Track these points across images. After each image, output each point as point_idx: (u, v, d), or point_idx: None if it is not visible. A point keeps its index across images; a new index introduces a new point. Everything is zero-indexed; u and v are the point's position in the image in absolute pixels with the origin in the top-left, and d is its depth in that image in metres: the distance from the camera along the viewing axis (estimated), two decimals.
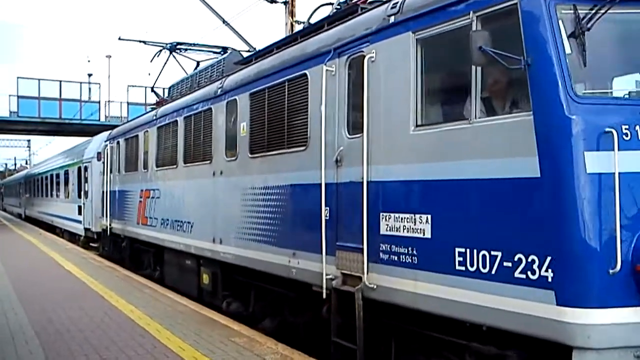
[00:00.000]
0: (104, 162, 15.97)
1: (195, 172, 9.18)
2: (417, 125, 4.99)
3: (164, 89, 45.29)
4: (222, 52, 12.50)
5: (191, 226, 9.22)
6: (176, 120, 10.10)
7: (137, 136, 12.77)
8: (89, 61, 58.88)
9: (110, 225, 14.77)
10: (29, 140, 74.89)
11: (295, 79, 6.60)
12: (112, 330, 6.90)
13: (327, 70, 5.97)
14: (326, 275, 5.85)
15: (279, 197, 6.84)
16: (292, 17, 16.74)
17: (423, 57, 5.00)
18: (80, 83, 45.38)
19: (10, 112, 41.55)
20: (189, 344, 6.27)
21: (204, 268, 8.96)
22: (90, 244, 19.53)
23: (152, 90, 13.62)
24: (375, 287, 5.30)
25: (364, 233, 5.35)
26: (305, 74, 6.42)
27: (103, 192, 15.74)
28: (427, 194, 4.88)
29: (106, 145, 15.76)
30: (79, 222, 20.59)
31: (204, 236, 8.68)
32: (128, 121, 15.76)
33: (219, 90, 8.42)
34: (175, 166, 10.11)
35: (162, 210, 10.78)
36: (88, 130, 40.39)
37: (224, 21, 18.12)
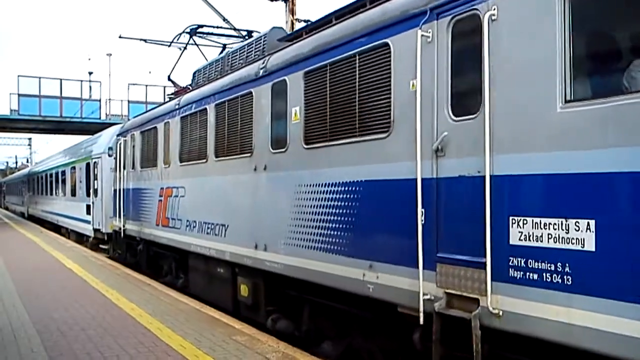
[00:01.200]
0: (116, 158, 14.33)
1: (231, 167, 7.73)
2: (566, 101, 3.63)
3: (164, 87, 43.21)
4: (246, 37, 11.08)
5: (225, 229, 7.79)
6: (205, 109, 8.60)
7: (155, 128, 11.12)
8: (89, 59, 57.63)
9: (124, 226, 13.13)
10: (30, 139, 73.32)
11: (371, 50, 5.20)
12: (114, 329, 6.77)
13: (422, 36, 4.59)
14: (423, 294, 4.48)
15: (347, 196, 5.45)
16: (292, 15, 16.04)
17: (573, 8, 3.63)
18: (81, 81, 44.16)
19: (11, 110, 40.26)
20: (190, 342, 6.13)
21: (242, 278, 7.54)
22: (100, 245, 17.63)
23: (169, 79, 12.07)
24: (500, 313, 3.93)
25: (486, 243, 3.97)
26: (386, 44, 5.03)
27: (115, 190, 14.09)
28: (587, 192, 3.51)
29: (118, 140, 14.04)
30: (88, 222, 18.55)
31: (243, 241, 7.27)
32: (144, 112, 13.49)
33: (262, 71, 6.99)
34: (204, 161, 8.58)
35: (187, 210, 9.25)
36: (88, 128, 39.14)
37: (224, 19, 17.00)
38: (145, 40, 20.13)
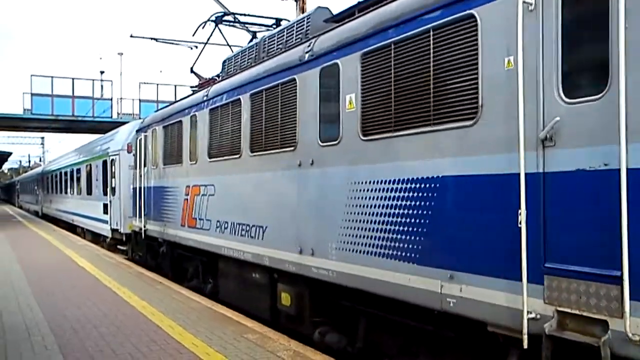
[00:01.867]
0: (135, 155, 13.27)
1: (270, 162, 6.90)
2: None
3: (175, 85, 42.34)
4: (275, 25, 10.26)
5: (263, 231, 6.98)
6: (238, 99, 7.72)
7: (179, 122, 10.11)
8: (101, 59, 56.92)
9: (145, 227, 12.08)
10: (42, 138, 72.99)
11: (450, 24, 4.38)
12: (126, 327, 6.72)
13: (524, 2, 3.76)
14: (527, 312, 3.66)
15: (418, 195, 4.63)
16: (302, 13, 15.52)
17: None
18: (93, 80, 43.74)
19: (25, 110, 39.78)
20: (201, 340, 6.09)
21: (283, 285, 6.73)
22: (118, 246, 16.38)
23: (192, 72, 11.22)
24: None
25: (622, 252, 3.15)
26: (471, 15, 4.20)
27: (135, 188, 13.08)
28: None
29: (138, 136, 12.95)
30: (105, 222, 17.32)
31: (285, 245, 6.46)
32: (165, 106, 12.21)
33: (307, 55, 6.17)
34: (237, 156, 7.70)
35: (218, 210, 8.35)
36: (100, 127, 38.65)
37: (235, 18, 16.27)
38: (156, 40, 19.48)
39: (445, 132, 4.40)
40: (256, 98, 7.28)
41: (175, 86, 45.42)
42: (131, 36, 21.68)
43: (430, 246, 4.50)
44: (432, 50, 4.53)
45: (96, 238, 19.27)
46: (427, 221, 4.54)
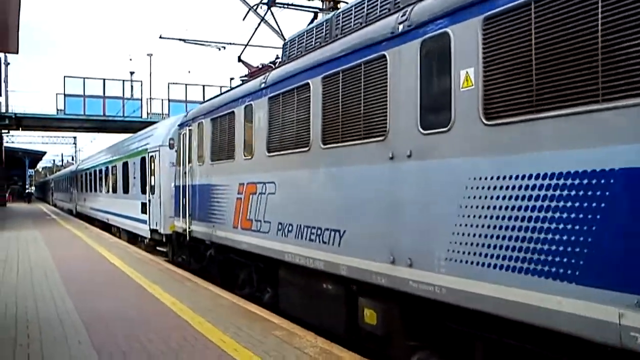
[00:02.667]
0: (178, 151, 12.16)
1: (350, 155, 5.76)
2: None
3: (204, 86, 41.93)
4: (331, 9, 9.19)
5: (340, 236, 5.86)
6: (306, 85, 6.63)
7: (231, 114, 9.05)
8: (130, 60, 56.84)
9: (189, 228, 11.03)
10: (74, 137, 73.50)
11: None
12: (155, 322, 6.76)
13: None
14: None
15: (579, 194, 3.48)
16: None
17: None
18: (123, 81, 43.63)
19: (58, 110, 39.74)
20: (229, 336, 6.10)
21: (366, 300, 5.61)
22: (157, 248, 15.28)
23: (240, 60, 10.18)
24: None
25: None
26: None
27: (177, 187, 12.01)
28: None
29: (181, 130, 11.92)
30: (143, 222, 15.96)
31: (370, 253, 5.35)
32: (213, 97, 10.99)
33: (402, 26, 5.03)
34: (305, 149, 6.64)
35: (279, 210, 7.30)
36: (130, 126, 38.43)
37: (262, 19, 15.39)
38: (184, 41, 18.79)
39: (622, 110, 3.25)
40: (330, 81, 6.15)
41: (204, 86, 45.12)
42: (160, 37, 21.03)
43: (604, 262, 3.34)
44: (600, 5, 3.38)
45: (133, 238, 18.12)
46: (593, 228, 3.39)
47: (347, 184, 5.82)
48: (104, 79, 42.74)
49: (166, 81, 65.64)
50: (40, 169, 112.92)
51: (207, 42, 19.03)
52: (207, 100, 11.26)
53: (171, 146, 14.28)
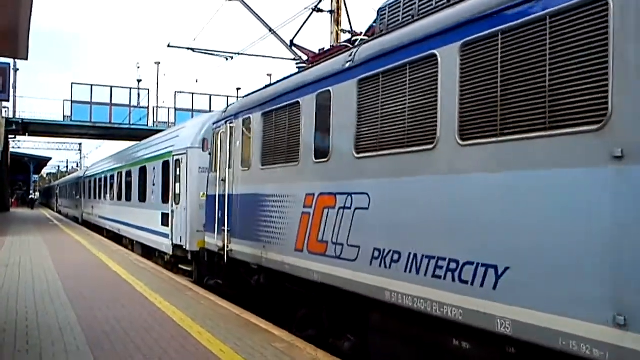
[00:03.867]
0: (212, 154, 10.20)
1: (516, 156, 4.02)
2: None
3: (210, 95, 41.96)
4: None
5: (496, 275, 4.11)
6: (431, 57, 4.87)
7: (294, 106, 7.27)
8: (139, 67, 57.33)
9: (228, 246, 9.14)
10: (80, 144, 73.81)
11: None
12: (155, 331, 6.74)
13: None
14: None
15: None
16: (337, 26, 15.44)
17: None
18: (130, 89, 43.94)
19: (64, 117, 40.06)
20: (229, 347, 6.04)
21: None
22: (180, 265, 13.11)
23: (292, 44, 9.26)
24: None
25: None
26: None
27: (212, 196, 9.98)
28: None
29: (217, 129, 9.88)
30: (164, 235, 13.61)
31: (565, 304, 3.60)
32: (263, 87, 9.01)
33: None
34: (429, 147, 4.81)
35: (377, 232, 5.46)
36: (136, 134, 38.60)
37: (270, 30, 15.51)
38: (192, 50, 18.91)
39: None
40: (476, 50, 4.41)
41: (211, 96, 45.37)
42: (169, 46, 21.21)
43: None
44: None
45: (148, 252, 15.79)
46: None
47: (510, 199, 4.04)
48: (111, 87, 43.15)
49: (173, 90, 65.95)
50: (44, 175, 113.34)
51: (215, 51, 19.17)
52: (253, 92, 9.29)
53: (203, 148, 12.21)
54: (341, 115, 6.22)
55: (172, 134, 14.81)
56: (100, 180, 25.50)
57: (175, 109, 44.56)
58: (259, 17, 16.22)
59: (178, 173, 12.99)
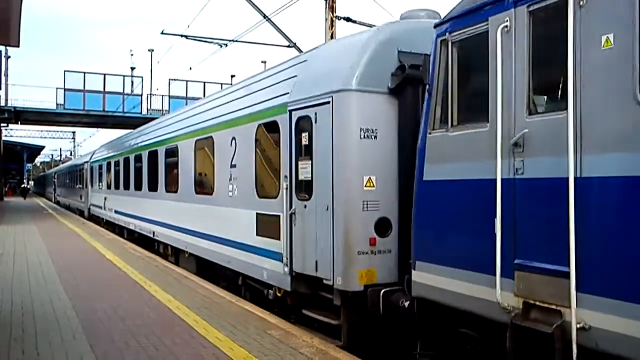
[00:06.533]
0: (433, 93, 5.08)
1: None
2: None
3: (204, 82, 41.14)
4: None
5: None
6: None
7: None
8: (132, 55, 56.86)
9: (499, 295, 4.16)
10: (73, 132, 73.33)
11: None
12: (151, 320, 6.73)
13: None
14: None
15: None
16: (332, 13, 15.20)
17: None
18: (123, 76, 43.57)
19: (57, 105, 39.78)
20: (225, 335, 6.06)
21: None
22: (307, 312, 6.89)
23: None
24: None
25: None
26: None
27: (438, 184, 4.95)
28: None
29: (460, 31, 4.74)
30: (268, 254, 7.57)
31: None
32: None
33: None
34: None
35: None
36: (130, 122, 38.28)
37: (264, 16, 15.40)
38: (186, 37, 18.77)
39: None
40: None
41: (205, 83, 45.06)
42: (162, 33, 21.07)
43: None
44: None
45: (207, 274, 10.28)
46: None
47: None
48: (105, 74, 42.80)
49: (167, 77, 65.49)
50: (38, 164, 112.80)
51: (209, 39, 19.05)
52: None
53: (387, 89, 6.24)
54: None
55: (281, 72, 7.91)
56: (116, 164, 19.11)
57: (169, 97, 44.31)
58: (252, 3, 16.12)
59: (305, 142, 6.83)
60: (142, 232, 15.33)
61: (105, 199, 21.33)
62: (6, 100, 38.03)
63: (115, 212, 19.29)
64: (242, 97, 8.90)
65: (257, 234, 7.87)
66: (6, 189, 59.94)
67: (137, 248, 14.44)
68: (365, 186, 6.11)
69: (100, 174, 22.61)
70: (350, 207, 6.11)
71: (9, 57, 39.15)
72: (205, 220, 10.02)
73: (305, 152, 6.81)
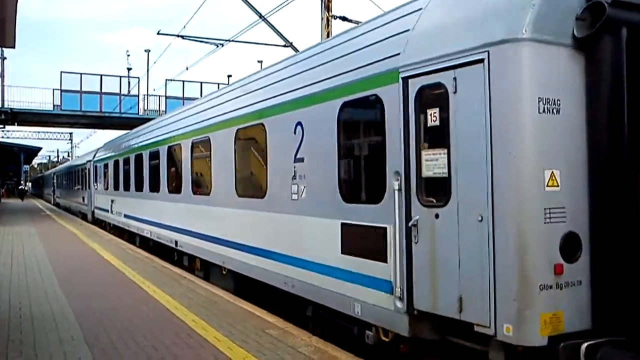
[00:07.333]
0: None
1: None
2: None
3: (201, 83, 40.78)
4: None
5: None
6: None
7: None
8: (129, 55, 56.69)
9: None
10: (70, 133, 73.14)
11: None
12: (150, 320, 6.73)
13: None
14: None
15: None
16: (328, 12, 15.31)
17: None
18: (120, 77, 43.51)
19: (54, 106, 39.73)
20: (224, 334, 6.06)
21: None
22: None
23: None
24: None
25: None
26: None
27: None
28: None
29: None
30: (377, 284, 5.20)
31: None
32: None
33: None
34: None
35: None
36: (127, 123, 38.22)
37: (260, 16, 15.42)
38: (182, 37, 18.78)
39: None
40: None
41: (202, 83, 44.98)
42: (158, 33, 21.05)
43: None
44: None
45: (245, 288, 8.65)
46: None
47: None
48: (101, 75, 42.71)
49: (164, 78, 65.39)
50: (35, 165, 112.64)
51: (205, 39, 19.07)
52: None
53: (570, 40, 4.24)
54: None
55: (379, 28, 5.75)
56: (126, 162, 16.58)
57: (166, 97, 44.27)
58: (248, 3, 16.13)
59: (433, 122, 4.80)
60: (160, 241, 12.89)
61: (112, 201, 18.91)
62: (3, 101, 37.93)
63: (125, 216, 16.85)
64: (313, 68, 6.61)
65: (342, 252, 5.76)
66: (3, 191, 59.80)
67: (136, 249, 14.44)
68: (548, 185, 4.14)
69: (106, 174, 19.91)
70: (524, 218, 4.10)
71: (5, 58, 39.06)
72: (253, 230, 7.94)
73: (434, 136, 4.77)
